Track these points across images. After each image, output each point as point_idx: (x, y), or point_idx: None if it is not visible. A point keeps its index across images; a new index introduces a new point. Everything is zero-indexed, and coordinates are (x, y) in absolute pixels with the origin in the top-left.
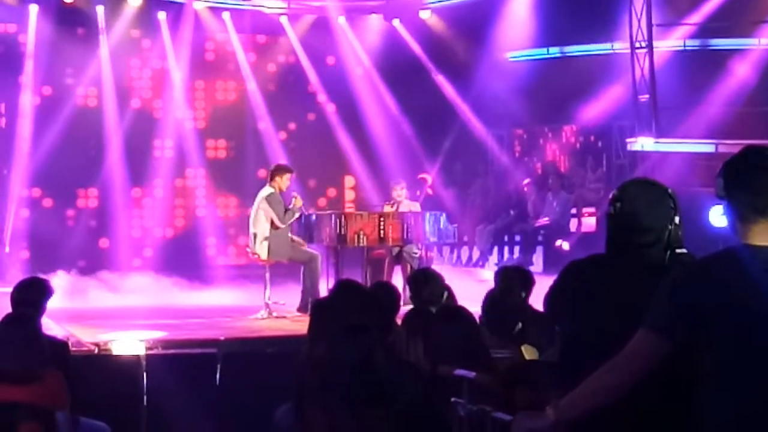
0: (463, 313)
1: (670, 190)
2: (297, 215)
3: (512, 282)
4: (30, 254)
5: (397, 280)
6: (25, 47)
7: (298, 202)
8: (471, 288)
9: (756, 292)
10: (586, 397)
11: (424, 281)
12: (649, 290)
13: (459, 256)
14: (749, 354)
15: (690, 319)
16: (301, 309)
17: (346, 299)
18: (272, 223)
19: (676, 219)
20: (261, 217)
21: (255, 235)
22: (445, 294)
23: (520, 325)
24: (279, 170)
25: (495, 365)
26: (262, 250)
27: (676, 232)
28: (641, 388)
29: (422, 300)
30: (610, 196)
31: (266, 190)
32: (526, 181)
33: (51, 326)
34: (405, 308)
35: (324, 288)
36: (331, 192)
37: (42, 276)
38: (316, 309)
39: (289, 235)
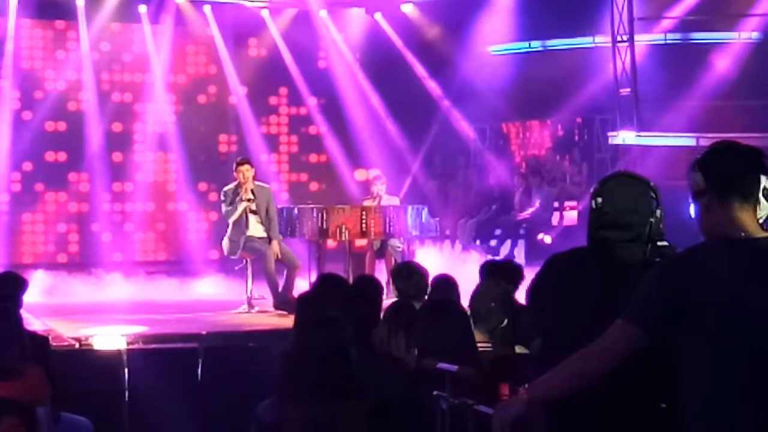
0: (454, 306)
1: (651, 184)
2: (240, 209)
3: (497, 276)
4: (8, 248)
5: (380, 274)
6: (5, 39)
7: (244, 194)
8: (461, 280)
9: (739, 284)
10: (560, 381)
11: (408, 275)
12: (630, 284)
13: (441, 250)
14: (728, 347)
15: (668, 313)
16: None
17: (328, 293)
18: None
19: (658, 212)
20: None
21: None
22: (429, 288)
23: (505, 321)
24: (235, 164)
25: (481, 359)
26: (223, 245)
27: (658, 225)
28: (619, 373)
29: (405, 293)
30: (591, 190)
31: (227, 186)
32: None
33: (31, 321)
34: (387, 301)
35: (306, 282)
36: (313, 186)
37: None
38: (302, 303)
39: (253, 229)
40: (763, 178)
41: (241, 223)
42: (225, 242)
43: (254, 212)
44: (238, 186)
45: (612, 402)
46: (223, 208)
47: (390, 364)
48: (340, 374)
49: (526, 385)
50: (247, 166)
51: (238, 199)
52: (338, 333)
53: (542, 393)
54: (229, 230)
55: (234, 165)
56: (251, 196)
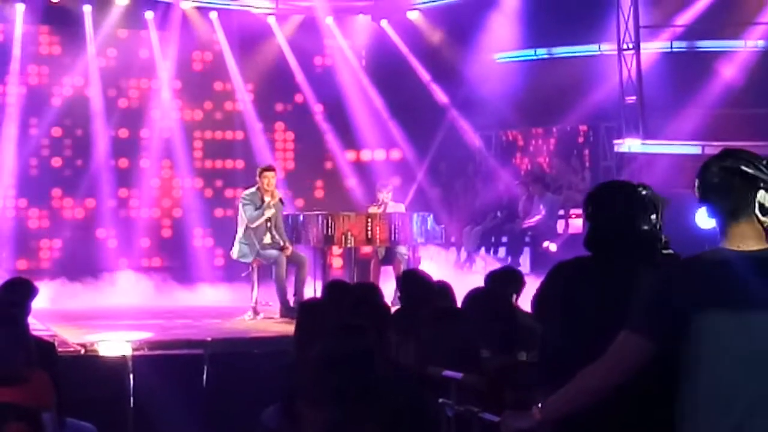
0: (457, 314)
1: (645, 191)
2: (268, 214)
3: (501, 285)
4: (15, 255)
5: (385, 282)
6: (12, 47)
7: (273, 198)
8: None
9: (734, 293)
10: (570, 398)
11: (413, 282)
12: (633, 291)
13: (446, 258)
14: (724, 353)
15: (670, 320)
16: (282, 313)
17: (336, 300)
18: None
19: (653, 218)
20: (240, 218)
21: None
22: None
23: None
24: (260, 170)
25: (485, 366)
26: (234, 249)
27: (657, 232)
28: (627, 385)
29: (411, 301)
30: (590, 198)
31: (247, 191)
32: (517, 182)
33: (37, 327)
34: (393, 309)
35: (311, 289)
36: (318, 193)
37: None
38: (305, 310)
39: (267, 236)
40: (760, 193)
41: (260, 229)
42: (236, 247)
43: (268, 219)
44: (261, 192)
45: (619, 414)
46: (248, 211)
47: (397, 371)
48: (363, 379)
49: (540, 404)
50: (273, 173)
51: (265, 205)
52: (366, 339)
53: (554, 413)
54: (240, 234)
55: (258, 171)
56: (278, 203)
